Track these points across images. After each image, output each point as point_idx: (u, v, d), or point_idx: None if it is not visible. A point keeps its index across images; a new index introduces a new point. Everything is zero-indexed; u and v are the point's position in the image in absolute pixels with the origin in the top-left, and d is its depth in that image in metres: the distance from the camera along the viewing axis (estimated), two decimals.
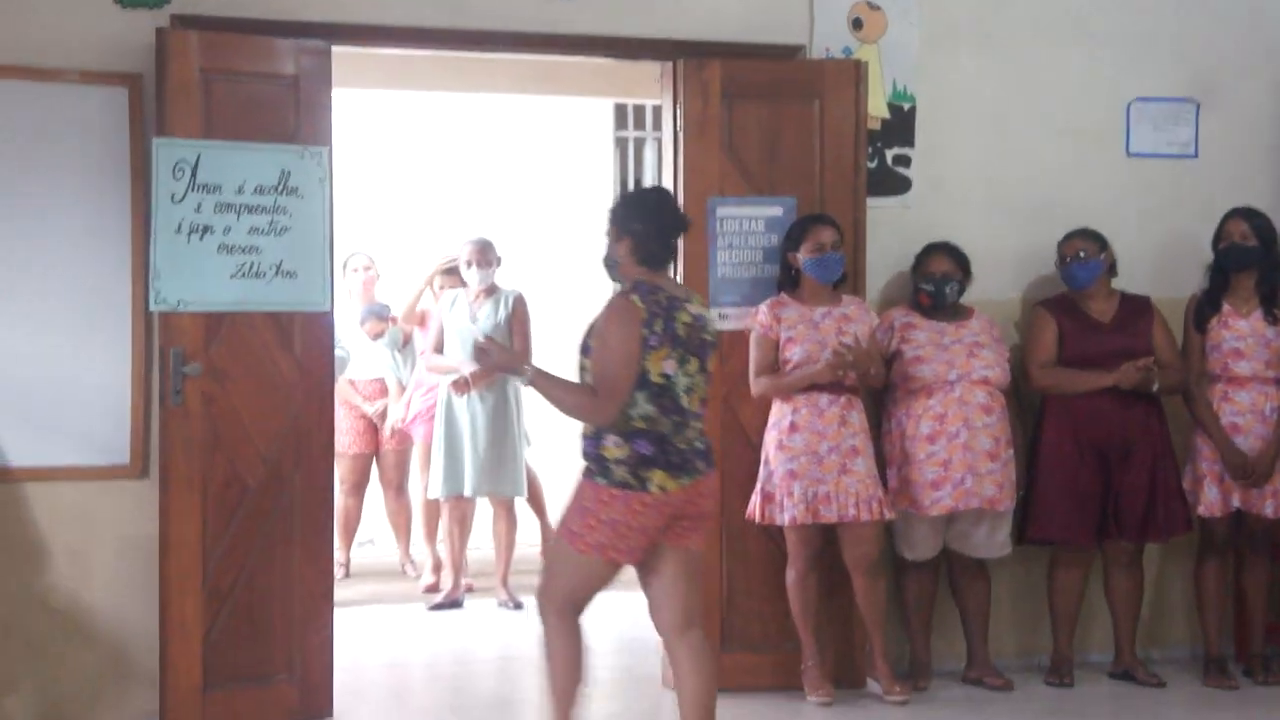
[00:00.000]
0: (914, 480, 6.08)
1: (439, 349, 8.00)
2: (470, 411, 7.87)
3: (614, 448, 4.68)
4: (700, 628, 4.90)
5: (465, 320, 7.93)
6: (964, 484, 6.03)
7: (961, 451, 6.03)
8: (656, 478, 4.65)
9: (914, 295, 6.27)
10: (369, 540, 9.39)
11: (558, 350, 9.78)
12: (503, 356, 5.21)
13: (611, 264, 4.97)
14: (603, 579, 4.81)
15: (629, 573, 4.84)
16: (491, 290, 7.95)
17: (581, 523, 4.70)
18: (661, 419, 4.67)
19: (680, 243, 6.04)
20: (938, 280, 6.20)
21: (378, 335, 8.57)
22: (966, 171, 6.56)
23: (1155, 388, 6.21)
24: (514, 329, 7.89)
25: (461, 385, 7.84)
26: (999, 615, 6.43)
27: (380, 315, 8.54)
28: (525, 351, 7.87)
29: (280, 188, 5.57)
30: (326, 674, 5.75)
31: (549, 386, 4.84)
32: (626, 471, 4.65)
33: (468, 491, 7.91)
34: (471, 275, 7.91)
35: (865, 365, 5.91)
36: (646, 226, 4.86)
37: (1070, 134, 6.68)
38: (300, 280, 5.64)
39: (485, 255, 7.93)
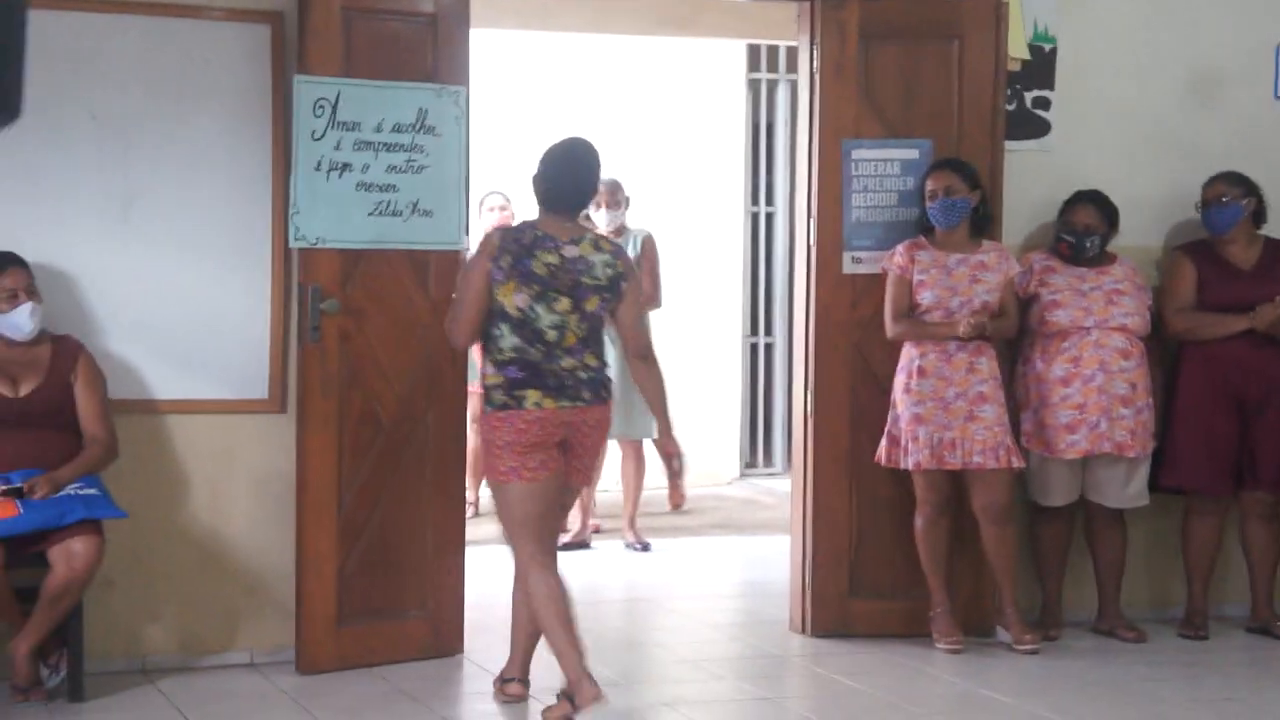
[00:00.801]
0: (1048, 423, 5.92)
1: None
2: None
3: (491, 376, 4.80)
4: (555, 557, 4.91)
5: None
6: (1099, 427, 5.87)
7: (1096, 395, 5.86)
8: (532, 396, 4.74)
9: (1055, 242, 6.08)
10: None
11: (687, 288, 9.79)
12: None
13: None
14: (536, 501, 4.79)
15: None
16: (620, 230, 7.85)
17: (490, 457, 4.80)
18: (528, 349, 4.76)
19: (812, 184, 5.98)
20: (1079, 233, 6.01)
21: None
22: (1108, 115, 6.35)
23: None
24: (643, 268, 7.80)
25: None
26: (1133, 566, 6.27)
27: None
28: (655, 289, 7.79)
29: (418, 126, 5.48)
30: (458, 612, 5.69)
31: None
32: (503, 394, 4.75)
33: None
34: (600, 216, 7.82)
35: (998, 334, 5.85)
36: (546, 170, 4.92)
37: (1215, 77, 6.45)
38: (436, 219, 5.55)
39: (614, 196, 7.84)
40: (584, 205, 4.98)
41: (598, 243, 4.92)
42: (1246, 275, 6.12)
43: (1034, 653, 5.82)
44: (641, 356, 4.97)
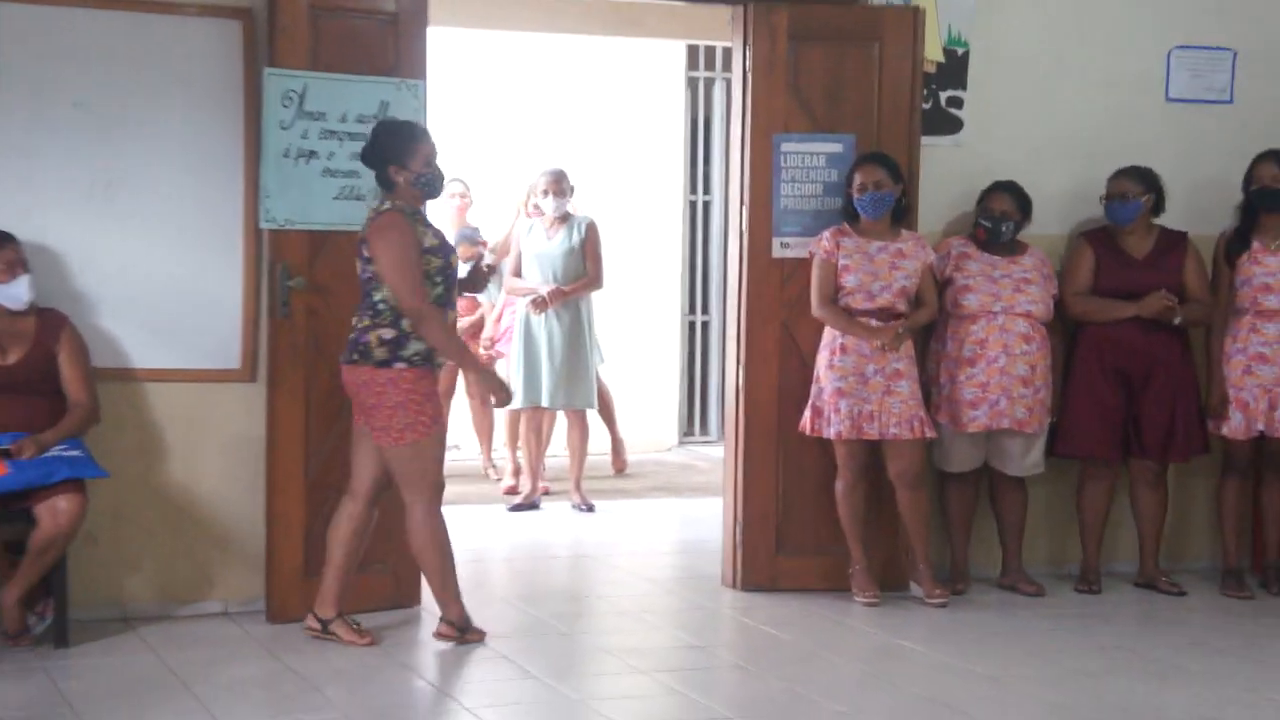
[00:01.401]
0: (954, 399, 6.10)
1: (518, 272, 8.05)
2: (547, 329, 7.93)
3: None
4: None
5: (542, 244, 7.97)
6: (999, 405, 6.04)
7: (999, 376, 6.04)
8: None
9: (973, 227, 6.24)
10: (455, 446, 9.46)
11: (631, 271, 9.90)
12: None
13: None
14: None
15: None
16: (566, 217, 7.98)
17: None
18: None
19: (745, 175, 6.12)
20: (995, 218, 6.17)
21: (469, 259, 8.61)
22: (1016, 113, 6.51)
23: (1177, 320, 6.19)
24: (587, 253, 7.94)
25: (540, 304, 7.89)
26: (1032, 526, 6.44)
27: (472, 240, 8.57)
28: (597, 272, 7.93)
29: (380, 117, 5.57)
30: (415, 568, 5.78)
31: None
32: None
33: (545, 402, 7.97)
34: (547, 203, 7.95)
35: (918, 326, 6.05)
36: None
37: (1114, 80, 6.61)
38: None
39: (560, 184, 7.96)
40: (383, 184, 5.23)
41: (373, 214, 5.22)
42: (1139, 264, 6.29)
43: (943, 606, 5.96)
44: (406, 315, 5.15)
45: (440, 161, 5.28)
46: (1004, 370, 6.05)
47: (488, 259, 8.58)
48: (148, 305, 5.57)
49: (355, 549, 5.35)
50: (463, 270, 8.45)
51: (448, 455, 8.76)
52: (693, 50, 10.44)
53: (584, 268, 7.94)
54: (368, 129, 5.52)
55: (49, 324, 5.34)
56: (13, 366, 5.25)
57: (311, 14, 5.50)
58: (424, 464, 5.20)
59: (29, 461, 5.07)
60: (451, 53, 9.12)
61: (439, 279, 5.19)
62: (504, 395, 5.51)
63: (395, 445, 5.16)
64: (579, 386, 7.99)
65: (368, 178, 5.54)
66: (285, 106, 5.47)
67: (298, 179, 5.50)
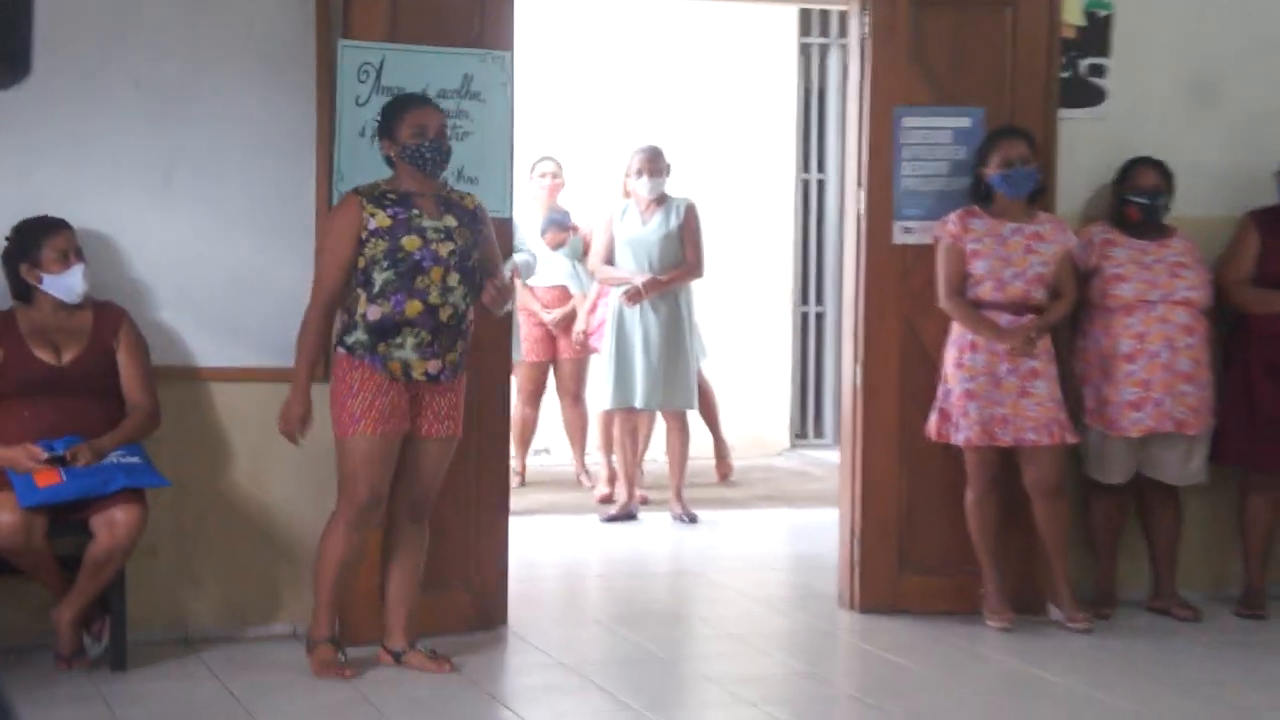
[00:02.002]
0: (1111, 400, 5.90)
1: (609, 260, 7.93)
2: (643, 323, 7.81)
3: None
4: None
5: (636, 229, 7.84)
6: (1163, 405, 5.86)
7: (1161, 372, 5.85)
8: None
9: (1119, 210, 6.04)
10: (544, 449, 9.40)
11: (737, 257, 9.81)
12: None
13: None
14: None
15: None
16: (662, 199, 7.86)
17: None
18: None
19: (862, 152, 5.98)
20: (1150, 194, 5.97)
21: (558, 245, 8.52)
22: (1167, 83, 6.28)
23: None
24: (685, 238, 7.81)
25: (633, 295, 7.75)
26: (1189, 543, 6.23)
27: (561, 225, 8.47)
28: (697, 259, 7.81)
29: (463, 92, 5.50)
30: (501, 585, 5.72)
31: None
32: None
33: (639, 404, 7.86)
34: (641, 184, 7.83)
35: (1057, 323, 5.87)
36: None
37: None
38: (481, 185, 5.55)
39: (655, 164, 7.83)
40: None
41: None
42: None
43: (1086, 631, 5.80)
44: None
45: (440, 132, 5.07)
46: (1167, 366, 5.86)
47: (574, 244, 8.46)
48: (212, 298, 5.52)
49: (410, 573, 5.22)
50: (547, 262, 8.47)
51: (536, 459, 8.79)
52: (805, 14, 10.35)
53: (682, 255, 7.81)
54: (450, 105, 5.44)
55: (106, 319, 5.29)
56: (67, 366, 5.21)
57: None
58: (345, 467, 5.08)
59: (84, 469, 5.02)
60: (542, 21, 9.05)
61: (386, 263, 5.00)
62: (288, 427, 5.16)
63: (335, 437, 5.10)
64: (678, 386, 7.87)
65: (451, 158, 5.46)
66: (361, 81, 5.38)
67: (375, 160, 5.38)
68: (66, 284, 5.21)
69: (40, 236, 5.19)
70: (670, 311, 7.84)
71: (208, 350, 5.53)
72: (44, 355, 5.19)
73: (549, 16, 9.38)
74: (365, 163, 5.37)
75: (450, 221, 5.10)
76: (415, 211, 5.08)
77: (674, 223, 7.80)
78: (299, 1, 5.53)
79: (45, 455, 5.01)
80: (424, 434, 5.12)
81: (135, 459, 5.16)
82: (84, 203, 5.37)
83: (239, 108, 5.51)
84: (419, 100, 5.19)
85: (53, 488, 4.96)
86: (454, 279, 5.05)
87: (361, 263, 5.02)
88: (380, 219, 5.04)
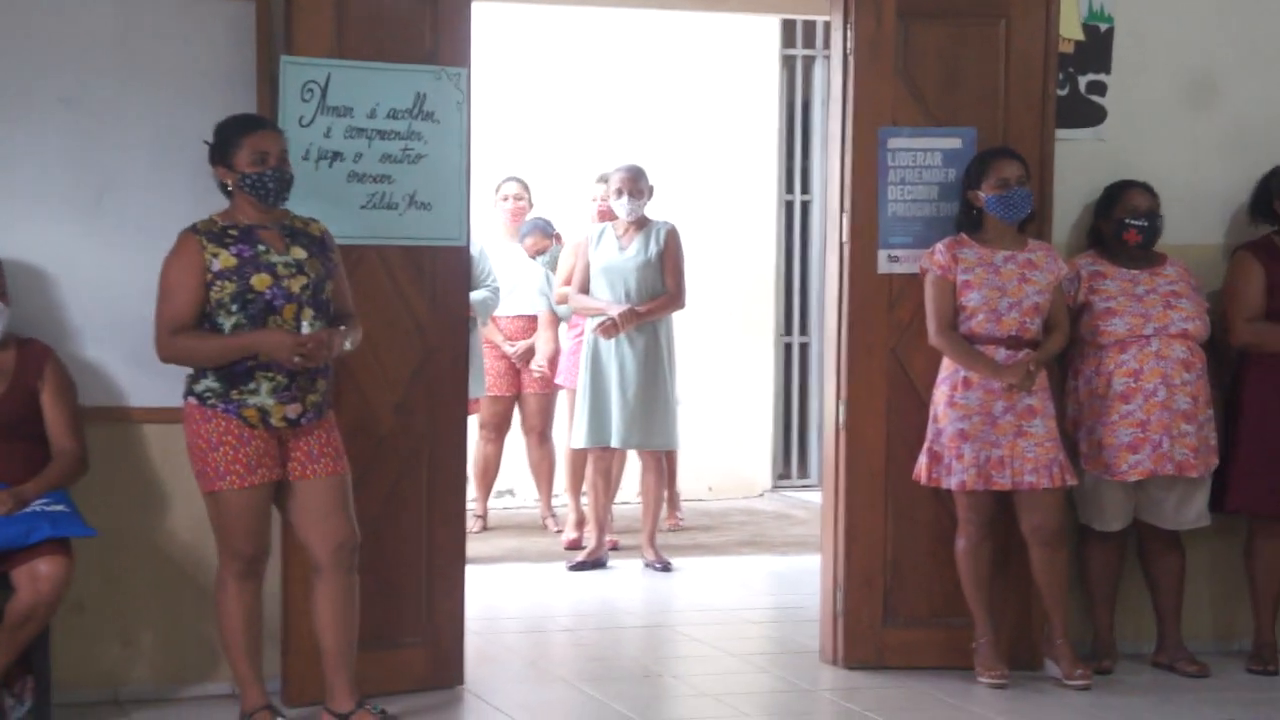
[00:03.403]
0: (1106, 443, 5.92)
1: (584, 288, 7.91)
2: (618, 356, 7.79)
3: None
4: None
5: (613, 255, 7.84)
6: (1162, 446, 5.87)
7: (1159, 411, 5.87)
8: None
9: (1113, 235, 6.07)
10: (508, 490, 9.40)
11: (716, 284, 9.82)
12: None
13: None
14: None
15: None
16: (642, 223, 7.85)
17: None
18: None
19: (845, 175, 6.00)
20: (1146, 215, 6.01)
21: (538, 252, 8.52)
22: (1169, 101, 6.34)
23: None
24: (666, 266, 7.81)
25: (609, 328, 7.74)
26: (1195, 593, 6.26)
27: (545, 231, 8.50)
28: (678, 288, 7.81)
29: (415, 112, 5.52)
30: (458, 641, 5.72)
31: None
32: None
33: (615, 442, 7.85)
34: (620, 205, 7.83)
35: (1051, 358, 5.90)
36: None
37: None
38: (435, 212, 5.59)
39: (636, 184, 7.84)
40: None
41: None
42: None
43: (1085, 688, 5.82)
44: None
45: (281, 158, 5.04)
46: (1165, 404, 5.88)
47: (554, 253, 8.43)
48: (144, 335, 5.46)
49: (345, 627, 5.15)
50: (524, 270, 8.45)
51: (498, 501, 8.78)
52: (788, 25, 10.40)
53: (662, 284, 7.81)
54: (401, 126, 5.45)
55: (29, 357, 5.27)
56: None
57: None
58: (219, 523, 5.08)
59: (5, 518, 4.99)
60: (501, 33, 9.07)
61: (235, 306, 4.97)
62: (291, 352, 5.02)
63: (201, 491, 5.09)
64: (656, 424, 7.86)
65: (401, 183, 5.50)
66: (305, 100, 5.41)
67: (320, 185, 5.43)
68: None
69: None
70: (649, 344, 7.83)
71: (141, 389, 5.52)
72: None
73: (514, 27, 9.40)
74: (311, 188, 5.39)
75: (299, 253, 5.07)
76: (262, 247, 5.03)
77: (654, 249, 7.79)
78: (238, 13, 5.55)
79: None
80: (298, 478, 5.09)
81: (61, 507, 5.14)
82: (6, 230, 5.38)
83: (175, 127, 5.52)
84: (257, 122, 5.15)
85: None
86: (308, 314, 5.01)
87: (205, 308, 4.99)
88: (225, 259, 4.99)
